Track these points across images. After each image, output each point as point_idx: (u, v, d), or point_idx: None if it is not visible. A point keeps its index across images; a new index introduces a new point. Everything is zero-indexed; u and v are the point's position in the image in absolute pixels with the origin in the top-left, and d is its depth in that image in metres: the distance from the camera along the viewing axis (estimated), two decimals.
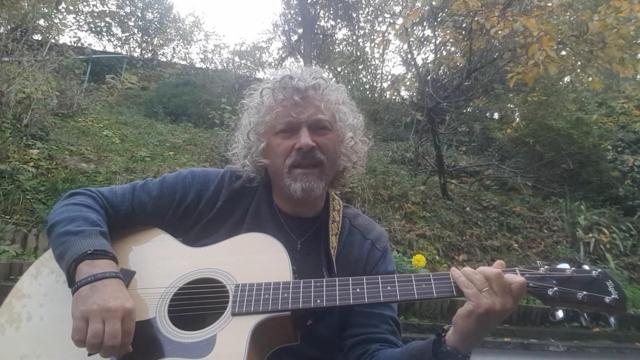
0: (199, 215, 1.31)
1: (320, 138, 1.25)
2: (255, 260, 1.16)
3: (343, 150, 1.30)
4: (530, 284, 1.03)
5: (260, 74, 15.11)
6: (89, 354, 1.02)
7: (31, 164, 6.14)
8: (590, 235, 7.54)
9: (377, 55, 11.22)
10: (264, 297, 1.07)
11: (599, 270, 1.04)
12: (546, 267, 1.07)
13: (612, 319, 1.03)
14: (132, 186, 1.34)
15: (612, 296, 1.00)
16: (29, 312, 1.16)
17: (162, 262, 1.21)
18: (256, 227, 1.28)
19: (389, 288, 1.07)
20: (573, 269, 1.06)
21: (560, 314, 1.03)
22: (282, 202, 1.35)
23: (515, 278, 1.02)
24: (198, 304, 1.11)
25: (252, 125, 1.30)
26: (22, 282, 1.22)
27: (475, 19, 6.36)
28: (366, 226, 1.39)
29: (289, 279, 1.11)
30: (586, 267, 1.06)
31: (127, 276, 1.18)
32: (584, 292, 1.01)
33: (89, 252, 1.09)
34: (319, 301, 1.06)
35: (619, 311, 1.01)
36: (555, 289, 1.02)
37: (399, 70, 27.02)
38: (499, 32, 5.91)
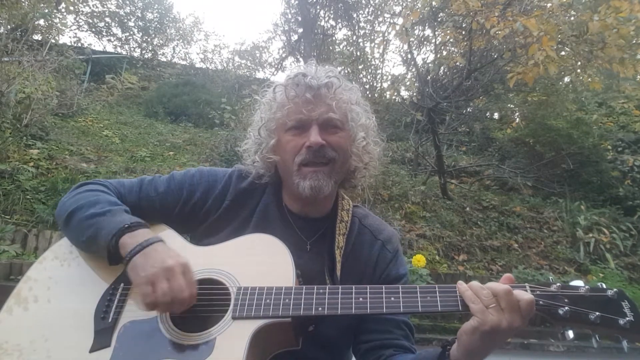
0: (205, 214, 1.31)
1: (331, 137, 1.23)
2: (259, 262, 1.15)
3: (354, 150, 1.29)
4: (541, 302, 0.99)
5: (260, 74, 15.13)
6: (161, 314, 1.08)
7: (31, 164, 6.14)
8: (590, 235, 7.54)
9: (377, 55, 11.19)
10: (265, 302, 1.07)
11: (615, 289, 0.99)
12: (558, 284, 1.02)
13: (624, 342, 0.97)
14: (140, 180, 1.34)
15: (627, 318, 0.95)
16: (36, 295, 1.17)
17: None
18: (263, 227, 1.26)
19: (392, 299, 1.05)
20: (587, 287, 1.00)
21: (570, 334, 0.98)
22: (291, 202, 1.33)
23: (524, 295, 0.97)
24: (200, 305, 1.10)
25: (264, 122, 1.29)
26: (30, 270, 1.23)
27: (475, 19, 6.36)
28: (377, 226, 1.37)
29: (292, 284, 1.10)
30: (602, 286, 1.01)
31: None
32: (597, 313, 0.96)
33: (126, 225, 1.12)
34: (320, 309, 1.05)
35: (633, 334, 0.95)
36: (566, 308, 0.97)
37: (399, 70, 27.08)
38: (499, 32, 5.91)
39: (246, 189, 1.33)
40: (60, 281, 1.19)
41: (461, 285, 1.03)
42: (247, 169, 1.35)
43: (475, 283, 1.02)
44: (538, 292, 1.01)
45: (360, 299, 1.05)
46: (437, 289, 1.05)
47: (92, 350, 1.07)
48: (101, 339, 1.08)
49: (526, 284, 1.03)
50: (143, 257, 1.07)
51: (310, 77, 1.23)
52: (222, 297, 1.11)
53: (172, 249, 1.11)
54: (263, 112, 1.31)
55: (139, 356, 1.05)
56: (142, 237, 1.11)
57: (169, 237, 1.26)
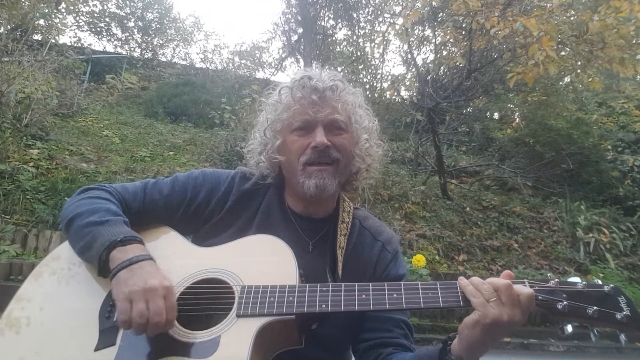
0: (209, 214, 1.32)
1: (335, 138, 1.26)
2: (262, 262, 1.16)
3: (357, 152, 1.31)
4: (540, 297, 1.01)
5: (260, 74, 15.13)
6: (137, 334, 1.05)
7: (31, 164, 6.15)
8: (590, 235, 7.55)
9: (377, 55, 11.19)
10: (269, 300, 1.07)
11: (612, 285, 1.02)
12: (556, 280, 1.05)
13: (622, 336, 0.99)
14: (144, 184, 1.35)
15: (624, 313, 0.97)
16: (29, 316, 1.15)
17: (170, 261, 1.21)
18: (266, 227, 1.28)
19: (394, 295, 1.06)
20: (584, 283, 1.03)
21: (569, 328, 1.01)
22: (294, 202, 1.35)
23: (524, 290, 1.00)
24: (204, 304, 1.11)
25: (269, 122, 1.31)
26: (24, 287, 1.21)
27: (475, 19, 6.36)
28: (377, 228, 1.39)
29: (295, 283, 1.10)
30: (598, 282, 1.03)
31: None
32: (595, 308, 0.98)
33: (118, 239, 1.12)
34: (324, 306, 1.06)
35: (630, 328, 0.98)
36: (564, 303, 1.00)
37: (399, 70, 27.11)
38: (499, 32, 5.92)
39: (249, 190, 1.35)
40: (58, 299, 1.18)
41: (462, 280, 1.06)
42: (250, 170, 1.37)
43: (476, 278, 1.04)
44: (537, 287, 1.03)
45: (363, 296, 1.07)
46: (438, 285, 1.07)
47: (97, 349, 1.07)
48: (106, 337, 1.09)
49: (525, 279, 1.05)
50: (128, 273, 1.07)
51: (316, 79, 1.26)
52: (226, 296, 1.11)
53: (159, 270, 1.10)
54: (269, 114, 1.33)
55: (144, 354, 1.06)
56: (132, 253, 1.11)
57: (171, 238, 1.28)
